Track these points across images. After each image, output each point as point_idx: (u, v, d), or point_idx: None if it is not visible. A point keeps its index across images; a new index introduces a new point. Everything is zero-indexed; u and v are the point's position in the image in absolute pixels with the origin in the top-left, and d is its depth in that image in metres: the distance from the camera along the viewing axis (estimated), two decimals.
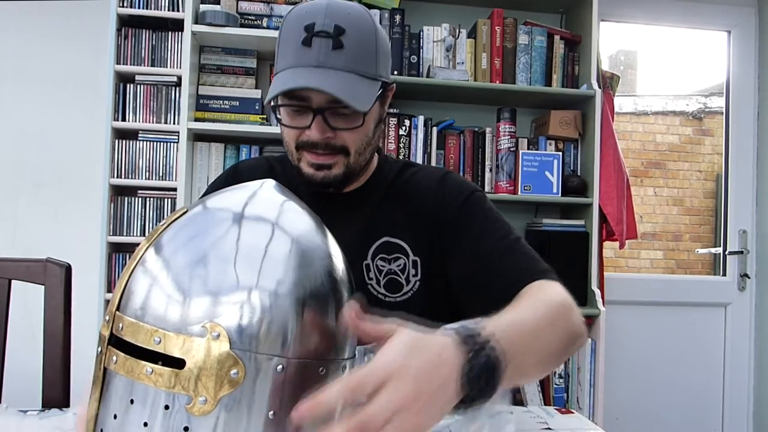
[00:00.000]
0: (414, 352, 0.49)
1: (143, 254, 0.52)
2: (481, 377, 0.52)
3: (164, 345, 0.48)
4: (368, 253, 0.95)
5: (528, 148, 2.27)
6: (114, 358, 0.50)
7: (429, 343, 0.51)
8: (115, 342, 0.50)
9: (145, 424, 0.48)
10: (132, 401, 0.48)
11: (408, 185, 1.00)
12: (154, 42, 2.06)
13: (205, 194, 1.02)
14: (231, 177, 1.03)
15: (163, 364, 0.48)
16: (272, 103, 0.89)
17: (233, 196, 0.56)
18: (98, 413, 0.50)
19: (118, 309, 0.51)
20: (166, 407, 0.47)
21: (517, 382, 0.61)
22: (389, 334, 0.51)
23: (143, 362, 0.48)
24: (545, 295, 0.76)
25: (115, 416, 0.49)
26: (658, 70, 4.91)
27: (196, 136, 2.13)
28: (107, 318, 0.51)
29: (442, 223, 0.95)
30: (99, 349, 0.51)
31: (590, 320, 2.18)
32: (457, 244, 0.94)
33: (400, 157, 2.17)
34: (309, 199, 0.64)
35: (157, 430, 0.48)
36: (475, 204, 0.96)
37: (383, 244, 0.95)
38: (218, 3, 2.01)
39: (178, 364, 0.48)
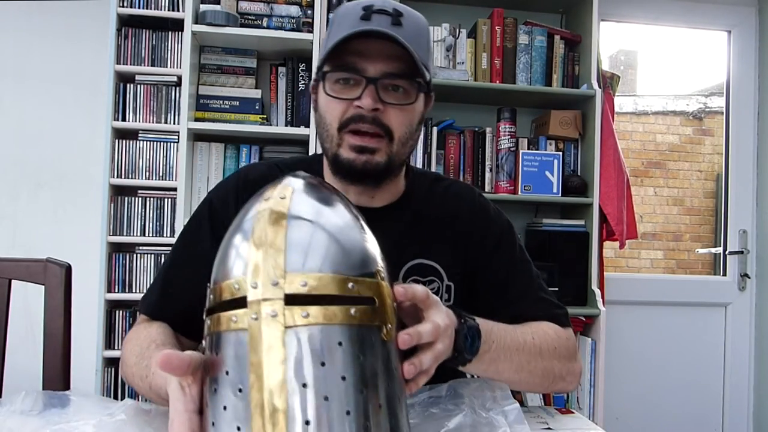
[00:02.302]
0: (448, 315, 0.69)
1: (287, 221, 0.56)
2: (467, 336, 0.73)
3: (358, 289, 0.55)
4: (399, 274, 0.92)
5: (528, 148, 2.27)
6: (304, 313, 0.52)
7: (449, 311, 0.70)
8: (288, 301, 0.53)
9: (358, 357, 0.54)
10: (340, 343, 0.53)
11: (444, 204, 0.99)
12: (154, 42, 2.06)
13: (213, 194, 0.99)
14: (242, 185, 0.97)
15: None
16: (318, 75, 0.87)
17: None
18: (286, 376, 0.51)
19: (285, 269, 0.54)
20: (370, 338, 0.55)
21: (493, 375, 0.79)
22: (425, 297, 0.66)
23: (344, 306, 0.54)
24: (547, 333, 0.89)
25: (323, 363, 0.52)
26: (658, 70, 4.91)
27: (196, 136, 2.13)
28: (277, 281, 0.53)
29: (480, 253, 0.97)
30: (256, 315, 0.52)
31: (590, 320, 2.18)
32: (490, 277, 0.96)
33: None
34: None
35: (370, 358, 0.54)
36: (512, 240, 1.00)
37: (417, 266, 0.93)
38: (218, 3, 2.01)
39: (367, 302, 0.56)
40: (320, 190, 0.62)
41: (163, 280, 0.95)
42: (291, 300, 0.52)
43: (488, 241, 0.98)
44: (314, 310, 0.52)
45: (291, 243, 0.54)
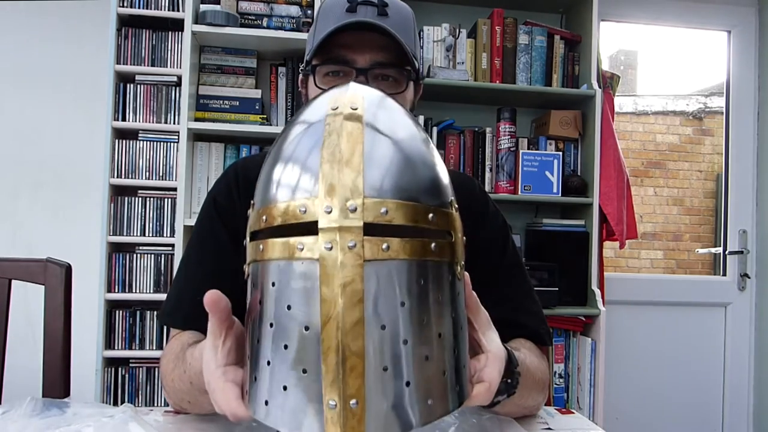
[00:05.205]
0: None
1: (364, 135, 0.48)
2: (511, 379, 0.68)
3: (437, 222, 0.49)
4: None
5: (528, 148, 2.27)
6: (385, 245, 0.46)
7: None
8: (366, 230, 0.46)
9: (438, 297, 0.49)
10: (419, 281, 0.48)
11: None
12: (154, 42, 2.06)
13: (215, 190, 0.96)
14: (233, 179, 0.95)
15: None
16: (307, 69, 0.87)
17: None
18: (364, 316, 0.45)
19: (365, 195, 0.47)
20: (447, 276, 0.50)
21: (503, 409, 0.75)
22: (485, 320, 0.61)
23: (424, 239, 0.48)
24: (545, 369, 0.88)
25: (402, 303, 0.46)
26: (658, 70, 4.91)
27: (196, 136, 2.13)
28: (355, 206, 0.45)
29: (473, 247, 0.95)
30: (331, 245, 0.45)
31: (590, 320, 2.18)
32: (479, 273, 0.93)
33: None
34: None
35: (446, 298, 0.50)
36: (506, 240, 0.98)
37: None
38: (218, 3, 2.01)
39: (443, 236, 0.51)
40: (391, 103, 0.53)
41: (194, 289, 0.88)
42: (369, 229, 0.46)
43: (482, 235, 0.96)
44: (395, 243, 0.46)
45: (369, 161, 0.47)
